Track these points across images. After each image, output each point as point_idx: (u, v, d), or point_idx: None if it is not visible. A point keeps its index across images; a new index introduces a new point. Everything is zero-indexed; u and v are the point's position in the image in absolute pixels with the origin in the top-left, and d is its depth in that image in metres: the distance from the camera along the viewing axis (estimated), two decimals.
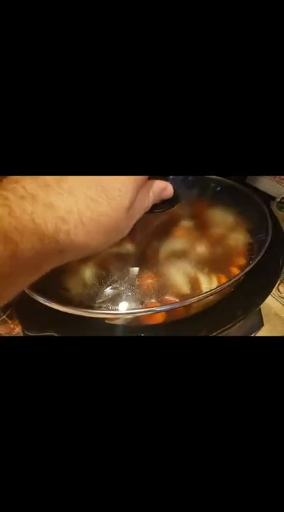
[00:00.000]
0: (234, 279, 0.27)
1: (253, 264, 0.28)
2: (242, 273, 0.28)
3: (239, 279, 0.27)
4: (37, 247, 0.17)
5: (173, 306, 0.26)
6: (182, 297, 0.30)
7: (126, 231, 0.22)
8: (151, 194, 0.25)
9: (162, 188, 0.26)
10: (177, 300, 0.30)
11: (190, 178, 0.40)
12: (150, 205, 0.25)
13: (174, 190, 0.27)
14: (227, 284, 0.27)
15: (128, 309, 0.29)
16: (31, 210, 0.17)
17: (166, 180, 0.27)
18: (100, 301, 0.29)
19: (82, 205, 0.18)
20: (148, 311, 0.26)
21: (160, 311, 0.26)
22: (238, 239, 0.35)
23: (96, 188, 0.19)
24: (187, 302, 0.26)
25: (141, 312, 0.26)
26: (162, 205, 0.27)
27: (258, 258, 0.29)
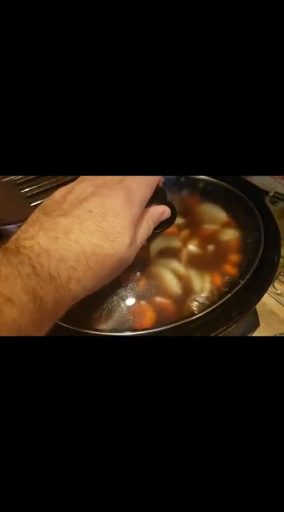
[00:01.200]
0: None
1: (255, 261, 0.28)
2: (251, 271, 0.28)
3: (235, 277, 0.27)
4: (56, 297, 0.19)
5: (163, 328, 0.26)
6: (174, 297, 0.29)
7: (130, 261, 0.24)
8: (150, 222, 0.26)
9: (159, 213, 0.28)
10: (168, 301, 0.29)
11: (182, 179, 0.39)
12: (151, 232, 0.26)
13: (170, 207, 0.29)
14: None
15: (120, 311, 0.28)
16: (47, 265, 0.19)
17: (162, 203, 0.28)
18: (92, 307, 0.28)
19: (88, 252, 0.21)
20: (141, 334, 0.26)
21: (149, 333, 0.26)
22: (230, 235, 0.33)
23: (99, 234, 0.21)
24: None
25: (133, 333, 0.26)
26: (160, 225, 0.28)
27: (260, 256, 0.29)
